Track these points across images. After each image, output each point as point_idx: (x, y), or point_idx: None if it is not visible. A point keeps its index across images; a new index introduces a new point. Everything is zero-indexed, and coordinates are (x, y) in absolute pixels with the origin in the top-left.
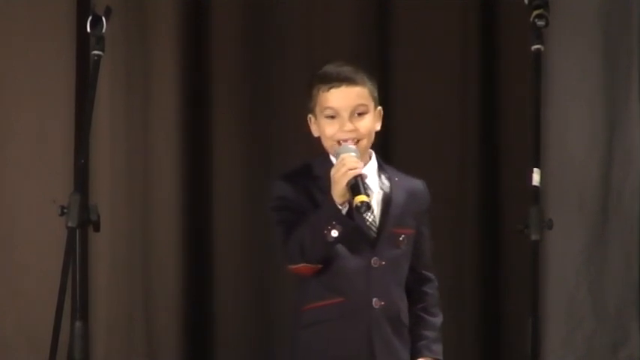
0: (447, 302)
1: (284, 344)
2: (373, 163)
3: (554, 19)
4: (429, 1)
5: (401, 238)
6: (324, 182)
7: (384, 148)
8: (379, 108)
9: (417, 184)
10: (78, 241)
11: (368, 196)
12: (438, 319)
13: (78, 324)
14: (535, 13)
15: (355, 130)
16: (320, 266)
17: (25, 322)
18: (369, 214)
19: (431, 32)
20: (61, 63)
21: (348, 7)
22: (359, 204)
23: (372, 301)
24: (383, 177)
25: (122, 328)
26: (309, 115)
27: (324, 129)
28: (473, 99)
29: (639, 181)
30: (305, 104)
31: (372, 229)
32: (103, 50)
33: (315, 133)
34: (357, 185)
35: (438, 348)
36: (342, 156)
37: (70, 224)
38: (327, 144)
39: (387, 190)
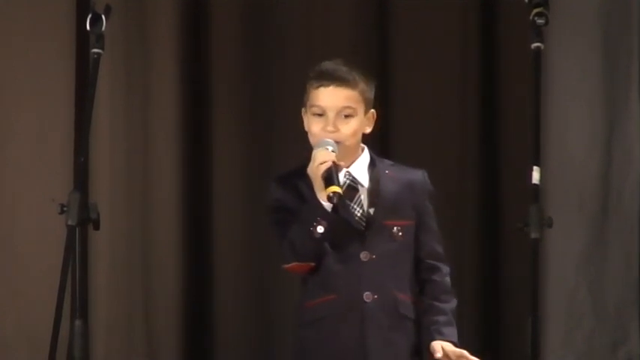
0: None
1: (284, 344)
2: (365, 157)
3: (554, 18)
4: (429, 1)
5: (395, 230)
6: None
7: (384, 147)
8: (372, 111)
9: (416, 174)
10: (77, 240)
11: (340, 186)
12: (448, 305)
13: (78, 322)
14: (535, 11)
15: (337, 131)
16: (313, 265)
17: (25, 321)
18: (357, 208)
19: (431, 32)
20: (61, 63)
21: (348, 7)
22: (331, 194)
23: (363, 295)
24: (374, 171)
25: (122, 327)
26: (303, 108)
27: (311, 125)
28: (473, 99)
29: (639, 181)
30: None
31: (361, 224)
32: (102, 48)
33: (306, 127)
34: (329, 177)
35: (449, 331)
36: (314, 152)
37: (69, 222)
38: (311, 140)
39: (376, 183)
